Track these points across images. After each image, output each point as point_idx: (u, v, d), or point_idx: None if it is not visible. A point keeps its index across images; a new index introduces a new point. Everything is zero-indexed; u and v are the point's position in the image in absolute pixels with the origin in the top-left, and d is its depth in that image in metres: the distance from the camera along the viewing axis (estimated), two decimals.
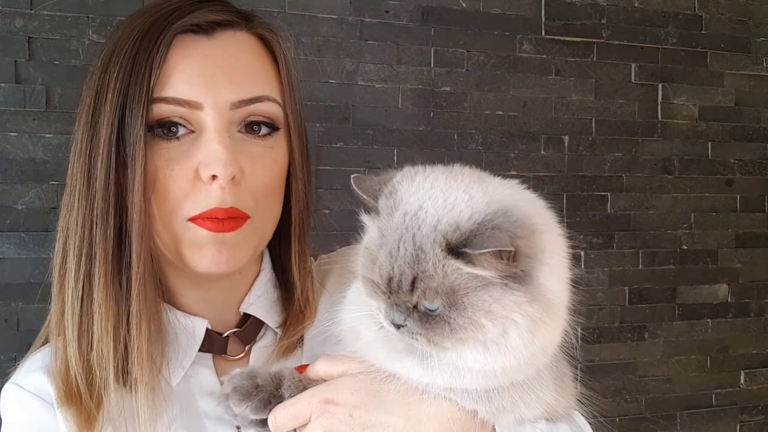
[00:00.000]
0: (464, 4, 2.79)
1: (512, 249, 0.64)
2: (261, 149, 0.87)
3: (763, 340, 3.27)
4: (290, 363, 0.87)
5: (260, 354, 0.93)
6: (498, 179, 0.79)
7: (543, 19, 2.89)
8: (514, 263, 0.65)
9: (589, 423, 0.83)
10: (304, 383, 0.78)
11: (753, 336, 3.25)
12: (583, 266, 2.98)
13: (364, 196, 0.74)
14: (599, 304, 3.01)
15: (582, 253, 2.97)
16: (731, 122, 3.19)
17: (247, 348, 0.94)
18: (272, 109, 0.88)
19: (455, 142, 2.79)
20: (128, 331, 0.80)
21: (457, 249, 0.65)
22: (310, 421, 0.74)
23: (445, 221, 0.67)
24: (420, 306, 0.68)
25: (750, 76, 3.22)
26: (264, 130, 0.87)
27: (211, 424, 0.86)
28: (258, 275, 0.97)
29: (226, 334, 0.92)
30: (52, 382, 0.82)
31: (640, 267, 3.07)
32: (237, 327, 0.94)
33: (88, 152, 0.82)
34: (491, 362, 0.69)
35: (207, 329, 0.90)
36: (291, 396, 0.77)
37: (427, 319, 0.67)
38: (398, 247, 0.68)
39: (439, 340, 0.68)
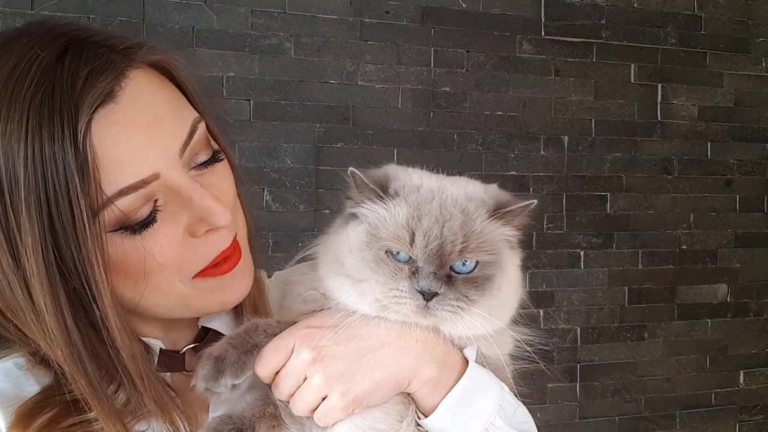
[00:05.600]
0: (464, 5, 2.80)
1: (535, 202, 0.81)
2: (217, 172, 0.81)
3: (762, 339, 3.27)
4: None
5: None
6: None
7: (543, 19, 2.90)
8: (521, 226, 0.81)
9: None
10: (279, 327, 0.79)
11: (752, 336, 3.26)
12: (582, 266, 2.98)
13: (372, 185, 0.77)
14: (599, 304, 3.01)
15: (582, 253, 2.98)
16: (730, 122, 3.20)
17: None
18: (203, 129, 0.79)
19: (455, 142, 2.79)
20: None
21: (496, 209, 0.78)
22: (293, 350, 0.75)
23: (471, 193, 0.80)
24: (454, 269, 0.75)
25: (749, 76, 3.22)
26: (204, 156, 0.80)
27: None
28: None
29: (183, 351, 0.88)
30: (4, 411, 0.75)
31: (640, 267, 3.07)
32: (195, 341, 0.90)
33: (23, 283, 0.69)
34: (495, 325, 0.79)
35: (161, 349, 0.86)
36: (267, 338, 0.77)
37: (463, 281, 0.75)
38: (442, 213, 0.75)
39: (477, 297, 0.75)
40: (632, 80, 3.04)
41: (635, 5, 3.04)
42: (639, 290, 3.07)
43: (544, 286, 2.92)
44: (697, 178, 3.15)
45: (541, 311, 2.90)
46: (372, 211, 0.78)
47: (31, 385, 0.76)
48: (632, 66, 3.04)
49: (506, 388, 0.81)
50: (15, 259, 0.68)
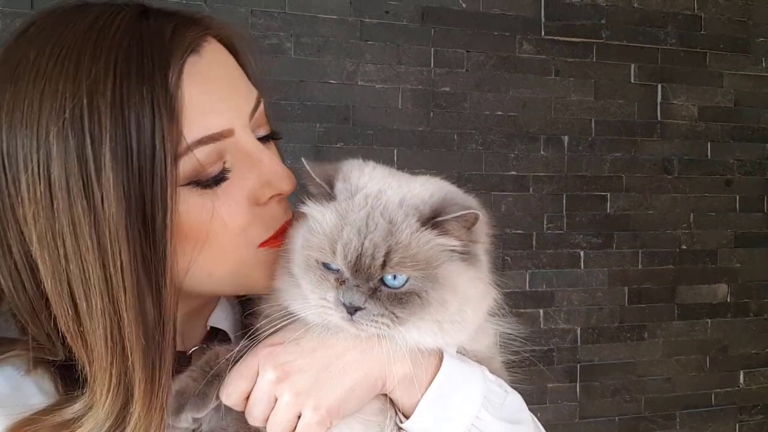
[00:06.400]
0: (464, 5, 2.80)
1: (478, 213, 0.71)
2: (273, 150, 0.82)
3: (762, 339, 3.27)
4: None
5: None
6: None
7: (543, 19, 2.90)
8: (471, 234, 0.73)
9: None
10: (240, 352, 0.75)
11: (752, 336, 3.26)
12: (582, 266, 2.98)
13: (319, 180, 0.74)
14: (598, 304, 3.01)
15: (582, 253, 2.98)
16: (730, 122, 3.20)
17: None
18: (262, 108, 0.80)
19: (455, 142, 2.79)
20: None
21: (430, 218, 0.70)
22: (258, 373, 0.72)
23: (409, 199, 0.72)
24: (385, 282, 0.69)
25: (749, 76, 3.22)
26: (263, 131, 0.81)
27: None
28: None
29: (190, 352, 0.86)
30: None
31: (640, 267, 3.07)
32: (203, 342, 0.87)
33: (93, 226, 0.66)
34: (448, 339, 0.74)
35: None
36: (229, 367, 0.74)
37: (389, 296, 0.69)
38: (367, 224, 0.69)
39: (405, 316, 0.70)
40: (632, 80, 3.04)
41: (635, 5, 3.04)
42: (639, 290, 3.07)
43: (544, 286, 2.92)
44: (697, 178, 3.15)
45: (541, 311, 2.90)
46: (311, 210, 0.74)
47: (32, 390, 0.74)
48: (632, 66, 3.04)
49: (491, 377, 0.77)
50: (90, 203, 0.65)
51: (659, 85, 3.08)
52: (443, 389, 0.73)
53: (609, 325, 3.03)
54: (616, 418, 3.03)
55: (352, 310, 0.69)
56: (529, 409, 0.82)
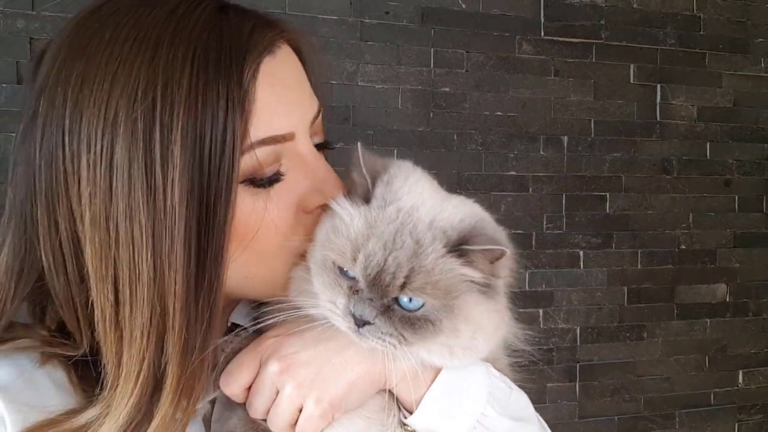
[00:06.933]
0: (464, 5, 2.80)
1: (506, 250, 0.69)
2: (325, 160, 0.82)
3: (761, 339, 3.28)
4: None
5: None
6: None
7: (542, 19, 2.90)
8: (494, 268, 0.71)
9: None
10: (241, 343, 0.75)
11: (751, 335, 3.26)
12: (582, 266, 2.99)
13: (366, 173, 0.72)
14: (598, 304, 3.02)
15: (581, 253, 2.99)
16: (729, 123, 3.20)
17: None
18: (320, 117, 0.82)
19: (455, 142, 2.80)
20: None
21: (457, 245, 0.68)
22: (261, 364, 0.70)
23: (439, 221, 0.70)
24: (400, 303, 0.67)
25: (748, 76, 3.23)
26: (318, 139, 0.82)
27: None
28: None
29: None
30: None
31: (639, 267, 3.08)
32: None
33: (150, 213, 0.65)
34: (456, 363, 0.73)
35: None
36: (227, 359, 0.73)
37: (402, 318, 0.67)
38: (394, 240, 0.67)
39: (415, 341, 0.68)
40: (631, 80, 3.05)
41: (634, 6, 3.04)
42: (638, 290, 3.08)
43: (544, 285, 2.92)
44: (696, 178, 3.15)
45: (541, 311, 2.91)
46: (341, 209, 0.72)
47: (46, 385, 0.73)
48: (631, 66, 3.04)
49: (495, 373, 0.76)
50: (150, 190, 0.65)
51: (658, 86, 3.08)
52: (447, 386, 0.72)
53: (608, 325, 3.03)
54: (616, 417, 3.03)
55: (361, 323, 0.68)
56: None
